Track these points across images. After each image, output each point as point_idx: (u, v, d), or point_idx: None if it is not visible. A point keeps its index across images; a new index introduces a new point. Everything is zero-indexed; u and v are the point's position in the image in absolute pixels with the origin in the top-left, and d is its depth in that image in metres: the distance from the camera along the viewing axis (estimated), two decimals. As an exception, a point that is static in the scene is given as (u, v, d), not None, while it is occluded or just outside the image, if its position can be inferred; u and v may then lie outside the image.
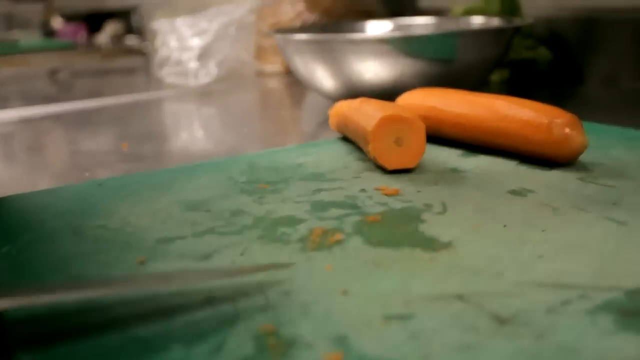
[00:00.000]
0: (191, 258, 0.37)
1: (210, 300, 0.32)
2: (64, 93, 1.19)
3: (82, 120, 0.91)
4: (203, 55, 1.13)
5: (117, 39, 2.16)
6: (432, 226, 0.40)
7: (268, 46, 1.21)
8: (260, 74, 1.21)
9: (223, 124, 0.88)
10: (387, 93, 0.73)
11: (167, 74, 1.17)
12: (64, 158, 0.73)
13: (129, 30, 2.18)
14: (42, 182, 0.63)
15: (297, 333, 0.29)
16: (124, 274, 0.36)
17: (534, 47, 0.98)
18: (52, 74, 1.45)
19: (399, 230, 0.40)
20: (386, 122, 0.50)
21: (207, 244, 0.39)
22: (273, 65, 1.21)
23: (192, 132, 0.82)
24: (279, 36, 0.83)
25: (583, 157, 0.53)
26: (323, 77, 0.79)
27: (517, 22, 0.85)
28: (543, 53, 0.98)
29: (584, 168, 0.51)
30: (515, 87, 0.96)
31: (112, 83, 1.32)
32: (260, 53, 1.21)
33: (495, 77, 0.98)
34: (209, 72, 1.13)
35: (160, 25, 1.19)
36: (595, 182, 0.47)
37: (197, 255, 0.38)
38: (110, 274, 0.36)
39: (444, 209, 0.43)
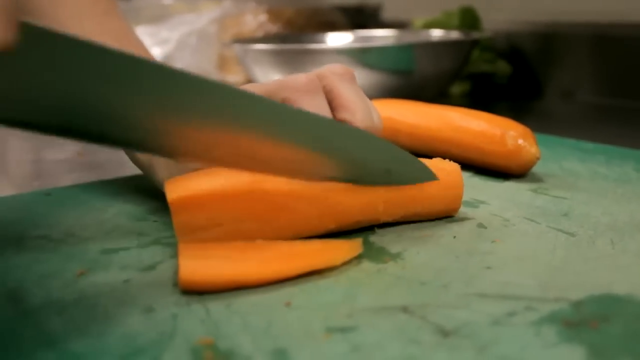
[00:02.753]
0: (134, 269, 0.36)
1: (149, 312, 0.31)
2: None
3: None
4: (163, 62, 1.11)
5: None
6: (383, 237, 0.40)
7: (231, 56, 1.20)
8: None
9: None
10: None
11: (128, 84, 1.16)
12: (18, 167, 0.71)
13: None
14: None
15: (236, 346, 0.28)
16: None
17: (494, 61, 0.99)
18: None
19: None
20: None
21: (151, 254, 0.38)
22: (236, 76, 1.21)
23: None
24: (238, 46, 0.82)
25: (537, 169, 0.53)
26: (282, 88, 0.78)
27: (476, 35, 0.86)
28: (502, 66, 0.99)
29: (537, 179, 0.51)
30: (475, 100, 0.96)
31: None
32: (223, 63, 1.20)
33: (456, 89, 0.99)
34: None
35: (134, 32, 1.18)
36: (547, 194, 0.47)
37: (140, 266, 0.37)
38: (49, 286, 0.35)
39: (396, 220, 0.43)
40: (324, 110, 0.40)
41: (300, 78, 0.40)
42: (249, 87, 0.41)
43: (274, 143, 0.34)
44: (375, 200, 0.40)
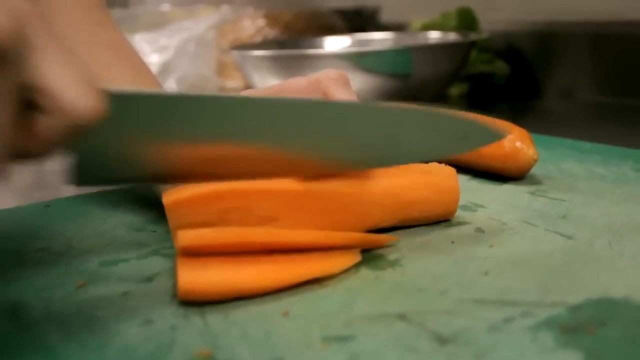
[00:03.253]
0: (133, 281, 0.36)
1: (148, 324, 0.31)
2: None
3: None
4: (163, 71, 1.12)
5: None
6: (381, 243, 0.40)
7: (229, 62, 1.20)
8: (222, 90, 1.20)
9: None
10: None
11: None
12: (20, 177, 0.71)
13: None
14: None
15: (234, 357, 0.28)
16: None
17: (492, 61, 0.99)
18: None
19: (346, 248, 0.40)
20: None
21: (150, 266, 0.38)
22: (235, 81, 1.21)
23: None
24: (236, 52, 0.83)
25: (535, 170, 0.53)
26: (281, 93, 0.79)
27: (473, 36, 0.86)
28: (500, 67, 0.99)
29: (535, 181, 0.51)
30: (474, 101, 0.96)
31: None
32: (221, 69, 1.20)
33: (455, 91, 0.99)
34: (170, 89, 1.12)
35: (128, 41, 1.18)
36: (545, 196, 0.47)
37: (139, 278, 0.37)
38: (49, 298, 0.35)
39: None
40: None
41: (301, 81, 0.41)
42: (251, 92, 0.42)
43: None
44: (370, 206, 0.40)
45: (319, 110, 0.34)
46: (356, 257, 0.37)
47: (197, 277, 0.33)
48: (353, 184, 0.39)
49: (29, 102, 0.26)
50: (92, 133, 0.28)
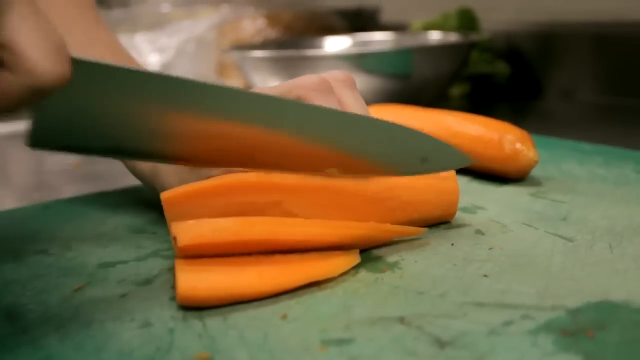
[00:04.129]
0: (131, 283, 0.36)
1: (146, 326, 0.31)
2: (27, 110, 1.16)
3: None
4: (163, 71, 1.11)
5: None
6: (380, 246, 0.40)
7: (230, 62, 1.20)
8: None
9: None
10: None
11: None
12: (19, 178, 0.71)
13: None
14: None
15: (232, 361, 0.28)
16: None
17: (492, 62, 0.99)
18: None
19: (346, 251, 0.39)
20: None
21: (149, 268, 0.38)
22: (235, 81, 1.21)
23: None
24: (236, 53, 0.82)
25: (535, 172, 0.53)
26: (281, 94, 0.79)
27: (474, 37, 0.86)
28: (501, 67, 0.99)
29: (535, 183, 0.51)
30: (475, 101, 0.96)
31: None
32: (222, 69, 1.20)
33: (456, 91, 0.99)
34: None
35: (120, 41, 1.18)
36: (545, 198, 0.47)
37: (137, 280, 0.37)
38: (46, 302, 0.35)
39: (393, 228, 0.43)
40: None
41: (313, 78, 0.41)
42: (263, 89, 0.41)
43: (301, 142, 0.36)
44: (370, 206, 0.40)
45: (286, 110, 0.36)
46: (356, 259, 0.37)
47: (196, 281, 0.33)
48: (353, 183, 0.39)
49: None
50: (55, 96, 0.29)
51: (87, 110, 0.32)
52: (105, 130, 0.33)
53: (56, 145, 0.33)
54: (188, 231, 0.34)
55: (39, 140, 0.32)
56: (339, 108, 0.41)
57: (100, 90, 0.31)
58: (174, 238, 0.34)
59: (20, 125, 0.98)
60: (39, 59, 0.26)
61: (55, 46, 0.27)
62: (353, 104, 0.41)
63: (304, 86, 0.40)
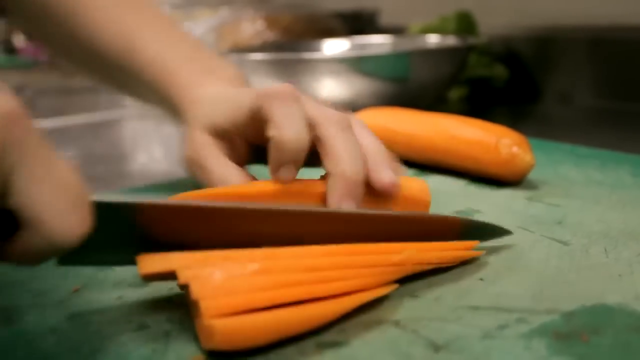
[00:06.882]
0: (128, 285, 0.36)
1: (142, 329, 0.31)
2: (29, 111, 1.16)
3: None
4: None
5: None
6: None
7: (229, 64, 1.20)
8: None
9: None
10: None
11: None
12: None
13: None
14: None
15: (228, 364, 0.28)
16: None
17: (490, 65, 0.99)
18: (17, 92, 1.42)
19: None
20: None
21: (146, 270, 0.38)
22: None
23: (150, 153, 0.81)
24: (235, 55, 0.83)
25: (532, 175, 0.53)
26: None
27: (472, 40, 0.86)
28: (499, 71, 0.99)
29: (532, 186, 0.51)
30: (473, 105, 0.96)
31: (75, 101, 1.30)
32: (221, 71, 1.20)
33: (454, 94, 0.99)
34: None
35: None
36: (541, 201, 0.47)
37: (134, 282, 0.37)
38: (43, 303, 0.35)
39: (390, 231, 0.43)
40: (298, 115, 0.37)
41: (279, 85, 0.38)
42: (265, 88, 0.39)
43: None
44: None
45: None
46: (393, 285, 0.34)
47: (233, 326, 0.28)
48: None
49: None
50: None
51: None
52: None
53: (85, 263, 0.32)
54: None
55: (66, 259, 0.31)
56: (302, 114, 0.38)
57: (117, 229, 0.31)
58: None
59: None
60: (55, 221, 0.25)
61: (72, 203, 0.26)
62: (342, 147, 0.37)
63: (270, 94, 0.38)
